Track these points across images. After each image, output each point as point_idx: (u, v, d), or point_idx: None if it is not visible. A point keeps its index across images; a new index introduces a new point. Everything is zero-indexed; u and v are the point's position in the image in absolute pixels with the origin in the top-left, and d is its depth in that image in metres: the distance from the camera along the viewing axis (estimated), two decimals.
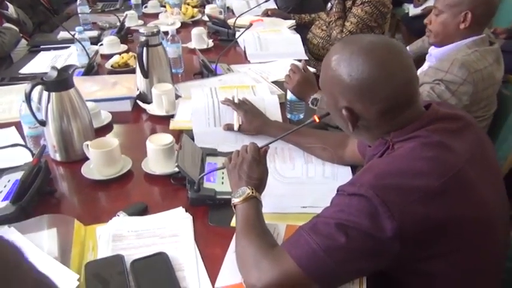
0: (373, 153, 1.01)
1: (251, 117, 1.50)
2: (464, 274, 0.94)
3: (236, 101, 1.56)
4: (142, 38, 1.75)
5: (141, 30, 1.77)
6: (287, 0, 3.24)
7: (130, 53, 2.24)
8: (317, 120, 1.14)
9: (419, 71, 1.65)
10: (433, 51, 1.66)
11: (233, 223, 1.13)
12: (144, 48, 1.74)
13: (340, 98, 0.96)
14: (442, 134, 0.92)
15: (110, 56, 2.30)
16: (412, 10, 4.00)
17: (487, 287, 1.00)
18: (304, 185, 1.32)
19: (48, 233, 1.10)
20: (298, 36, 2.48)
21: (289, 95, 1.68)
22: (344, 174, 1.35)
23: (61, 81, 1.37)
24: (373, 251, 0.86)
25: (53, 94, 1.36)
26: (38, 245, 1.05)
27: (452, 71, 1.51)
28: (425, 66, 1.72)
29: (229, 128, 1.52)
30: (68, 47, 2.45)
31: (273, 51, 2.33)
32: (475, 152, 0.94)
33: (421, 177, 0.86)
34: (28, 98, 1.32)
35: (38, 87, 1.37)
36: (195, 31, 2.47)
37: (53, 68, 1.38)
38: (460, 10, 1.58)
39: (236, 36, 2.50)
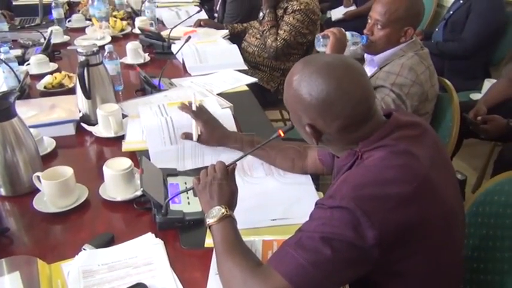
0: (343, 164, 1.05)
1: (211, 128, 1.48)
2: (433, 268, 1.00)
3: (194, 108, 1.52)
4: (82, 58, 1.67)
5: (80, 49, 1.69)
6: (237, 8, 3.25)
7: (64, 72, 2.12)
8: (282, 134, 1.16)
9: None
10: (374, 57, 1.76)
11: (207, 244, 1.12)
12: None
13: (303, 115, 1.00)
14: (406, 141, 0.98)
15: (40, 76, 2.16)
16: (335, 15, 4.21)
17: (454, 276, 1.09)
18: (269, 195, 1.34)
19: (10, 277, 1.01)
20: (235, 46, 2.50)
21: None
22: (305, 182, 1.38)
23: (3, 111, 1.27)
24: (357, 259, 0.90)
25: None
26: None
27: (403, 74, 1.64)
28: (366, 70, 1.81)
29: (187, 137, 1.48)
30: None
31: (212, 63, 2.32)
32: (434, 156, 1.02)
33: (394, 184, 0.91)
34: None
35: None
36: (130, 46, 2.39)
37: None
38: (402, 26, 1.69)
39: (172, 48, 2.48)
